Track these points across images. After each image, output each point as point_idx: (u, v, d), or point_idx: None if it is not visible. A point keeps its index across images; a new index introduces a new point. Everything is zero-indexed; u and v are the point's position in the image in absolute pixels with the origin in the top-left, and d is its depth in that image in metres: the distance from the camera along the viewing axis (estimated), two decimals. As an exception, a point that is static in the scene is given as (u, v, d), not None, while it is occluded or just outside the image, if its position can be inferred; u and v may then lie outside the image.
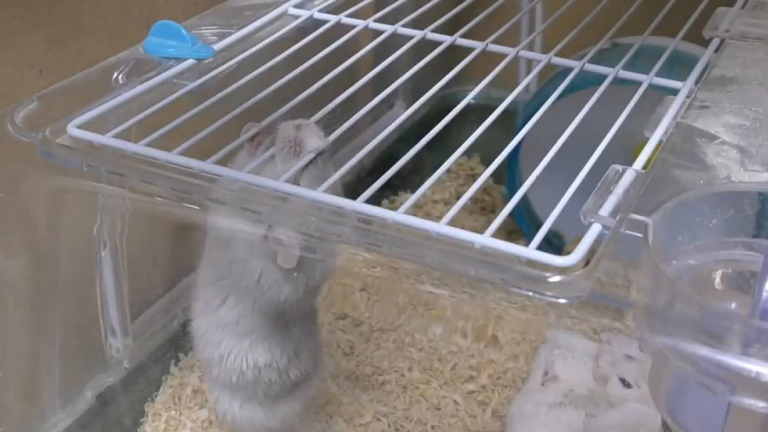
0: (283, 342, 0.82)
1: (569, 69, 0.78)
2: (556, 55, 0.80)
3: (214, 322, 0.82)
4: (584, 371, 0.97)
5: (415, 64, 0.78)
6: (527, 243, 0.54)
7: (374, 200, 0.59)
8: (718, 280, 0.55)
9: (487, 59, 0.80)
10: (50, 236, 0.84)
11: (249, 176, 0.61)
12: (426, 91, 0.75)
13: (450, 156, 0.65)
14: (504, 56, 0.80)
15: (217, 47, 0.79)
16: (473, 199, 1.34)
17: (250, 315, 0.80)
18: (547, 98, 0.74)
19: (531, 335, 1.09)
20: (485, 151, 1.33)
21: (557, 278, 0.51)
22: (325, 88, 0.75)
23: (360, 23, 0.85)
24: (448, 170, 0.89)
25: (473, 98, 0.74)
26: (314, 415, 1.00)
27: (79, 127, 0.66)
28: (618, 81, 0.76)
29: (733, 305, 0.54)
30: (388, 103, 1.37)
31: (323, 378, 0.94)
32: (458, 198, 1.15)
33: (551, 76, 1.15)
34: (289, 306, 0.78)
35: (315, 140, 0.71)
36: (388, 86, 0.76)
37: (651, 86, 0.74)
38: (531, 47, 0.86)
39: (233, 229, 0.76)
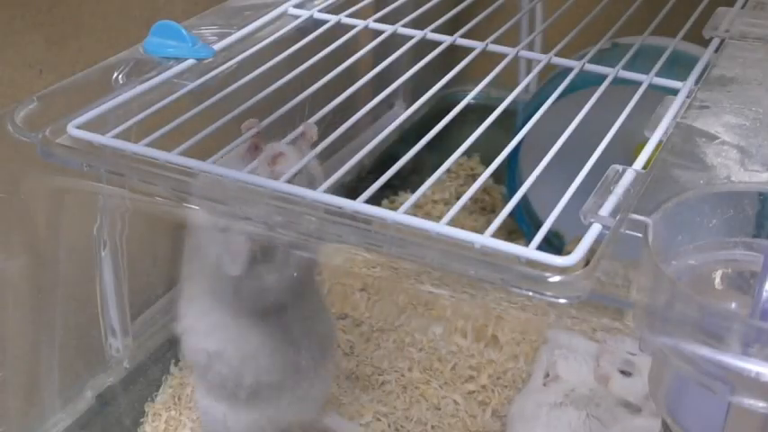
0: (238, 340, 0.81)
1: (569, 69, 0.78)
2: (556, 55, 0.80)
3: (184, 296, 0.83)
4: (585, 371, 0.97)
5: (415, 64, 0.78)
6: (527, 243, 0.54)
7: (374, 200, 0.59)
8: (718, 280, 0.55)
9: (487, 59, 0.80)
10: (50, 236, 0.84)
11: (249, 176, 0.61)
12: (426, 91, 0.75)
13: (450, 156, 0.65)
14: (504, 56, 0.80)
15: (217, 47, 0.79)
16: (473, 199, 1.34)
17: (207, 294, 0.81)
18: (547, 98, 0.74)
19: (532, 335, 1.09)
20: (485, 151, 1.32)
21: (557, 278, 0.51)
22: (326, 88, 0.75)
23: (360, 23, 0.85)
24: (448, 170, 0.89)
25: (473, 98, 0.74)
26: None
27: (79, 127, 0.66)
28: (618, 81, 0.76)
29: (733, 305, 0.54)
30: (388, 103, 1.37)
31: (303, 398, 0.89)
32: (458, 198, 1.15)
33: (551, 76, 1.15)
34: (252, 297, 0.78)
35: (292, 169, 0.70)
36: (388, 86, 0.76)
37: (651, 86, 0.74)
38: (531, 47, 0.86)
39: (194, 215, 0.77)
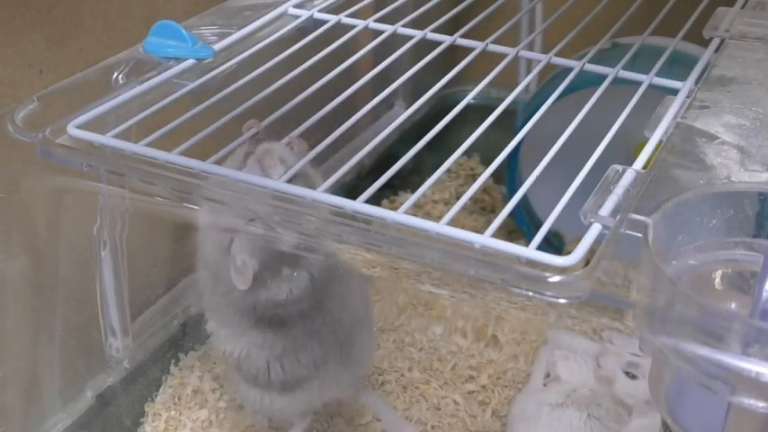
0: (263, 345, 0.82)
1: (569, 69, 0.78)
2: (556, 55, 0.80)
3: (205, 303, 0.84)
4: (586, 371, 0.97)
5: (415, 64, 0.78)
6: (527, 243, 0.54)
7: (374, 200, 0.59)
8: (718, 280, 0.55)
9: (487, 59, 0.80)
10: (50, 236, 0.84)
11: (249, 176, 0.61)
12: (426, 91, 0.75)
13: (450, 156, 0.65)
14: (504, 56, 0.80)
15: (217, 47, 0.79)
16: (473, 199, 1.34)
17: (225, 308, 0.81)
18: (547, 98, 0.74)
19: (532, 335, 1.09)
20: (485, 151, 1.32)
21: (557, 278, 0.51)
22: (325, 88, 0.75)
23: (360, 23, 0.85)
24: (448, 170, 0.89)
25: (473, 98, 0.74)
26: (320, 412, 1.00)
27: (79, 127, 0.66)
28: (618, 81, 0.76)
29: (733, 305, 0.54)
30: (388, 103, 1.37)
31: (335, 383, 0.90)
32: (458, 198, 1.15)
33: (551, 76, 1.15)
34: (268, 309, 0.79)
35: (279, 169, 0.70)
36: (388, 86, 0.76)
37: (651, 86, 0.74)
38: (531, 47, 0.86)
39: (207, 226, 0.77)
